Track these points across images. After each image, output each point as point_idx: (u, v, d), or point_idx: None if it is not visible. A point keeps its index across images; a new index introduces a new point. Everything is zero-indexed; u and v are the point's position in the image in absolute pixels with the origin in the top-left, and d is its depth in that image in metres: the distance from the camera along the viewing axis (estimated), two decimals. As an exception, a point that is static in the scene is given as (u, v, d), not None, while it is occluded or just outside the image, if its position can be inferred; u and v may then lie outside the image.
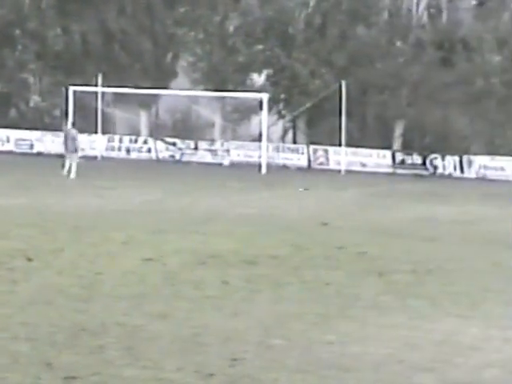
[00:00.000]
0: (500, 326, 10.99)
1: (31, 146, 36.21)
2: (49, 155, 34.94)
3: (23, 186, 25.06)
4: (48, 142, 36.25)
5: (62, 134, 35.80)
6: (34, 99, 38.83)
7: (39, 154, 35.50)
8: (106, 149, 35.14)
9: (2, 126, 36.65)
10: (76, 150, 28.82)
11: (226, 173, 31.58)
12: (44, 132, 36.53)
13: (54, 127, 37.32)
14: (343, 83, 32.33)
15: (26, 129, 36.59)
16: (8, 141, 36.55)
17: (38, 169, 28.32)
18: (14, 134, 36.48)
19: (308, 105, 34.19)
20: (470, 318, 11.61)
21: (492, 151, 32.39)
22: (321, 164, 33.50)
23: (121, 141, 35.68)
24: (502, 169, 31.00)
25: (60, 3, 37.14)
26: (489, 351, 10.10)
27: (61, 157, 31.51)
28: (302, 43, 35.39)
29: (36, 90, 38.85)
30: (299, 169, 33.36)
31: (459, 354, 9.98)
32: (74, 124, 30.71)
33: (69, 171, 28.24)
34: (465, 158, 31.72)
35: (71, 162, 28.44)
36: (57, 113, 38.56)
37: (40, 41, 37.30)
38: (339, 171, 32.31)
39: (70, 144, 28.89)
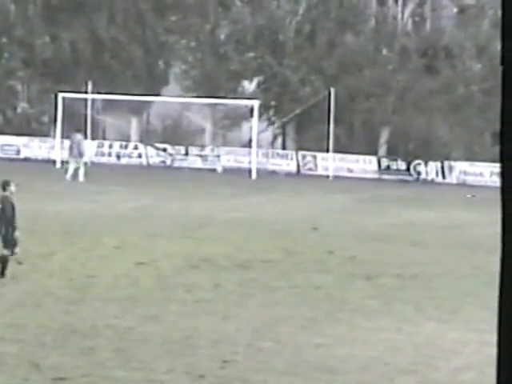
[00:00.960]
0: (478, 330, 11.22)
1: (18, 152, 36.17)
2: (36, 160, 34.94)
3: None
4: (35, 148, 36.24)
5: (50, 140, 35.90)
6: (22, 106, 38.75)
7: (26, 159, 35.49)
8: (96, 154, 35.17)
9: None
10: (81, 155, 29.51)
11: (216, 178, 31.70)
12: (31, 138, 36.49)
13: (41, 133, 37.30)
14: (332, 90, 32.58)
15: (13, 134, 36.52)
16: (-7, 146, 36.53)
17: (26, 174, 28.25)
18: (0, 139, 36.42)
19: (297, 111, 34.35)
20: (450, 321, 11.85)
21: (471, 157, 32.90)
22: (309, 170, 33.71)
23: (111, 146, 35.74)
24: (481, 174, 31.59)
25: (48, 12, 37.14)
26: (467, 354, 10.33)
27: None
28: (292, 51, 35.55)
29: (24, 96, 38.79)
30: (288, 174, 33.54)
31: (440, 357, 10.21)
32: (79, 130, 31.42)
33: (74, 176, 28.76)
34: (446, 163, 32.27)
35: (78, 166, 28.95)
36: (45, 119, 38.52)
37: (28, 48, 37.27)
38: (327, 176, 32.53)
39: (76, 149, 29.57)
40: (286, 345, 10.56)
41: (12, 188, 13.99)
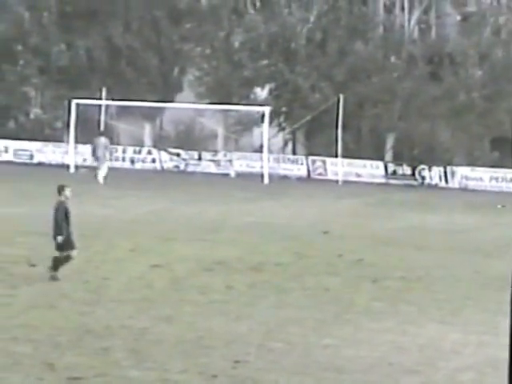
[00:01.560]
0: (478, 332, 11.54)
1: (31, 157, 36.47)
2: (50, 165, 35.24)
3: (25, 195, 24.90)
4: (49, 153, 36.56)
5: (63, 145, 36.26)
6: (35, 112, 39.00)
7: (40, 164, 35.79)
8: (110, 159, 35.46)
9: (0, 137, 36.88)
10: (105, 159, 30.14)
11: (229, 182, 31.98)
12: (45, 143, 36.79)
13: (55, 138, 37.59)
14: (341, 97, 32.94)
15: (26, 139, 36.83)
16: (6, 151, 36.77)
17: (40, 178, 28.51)
18: (13, 144, 36.74)
19: (308, 118, 34.65)
20: (451, 323, 12.16)
21: (471, 162, 33.43)
22: (319, 174, 34.04)
23: (124, 151, 36.06)
24: (481, 179, 32.19)
25: (63, 20, 37.44)
26: (467, 355, 10.65)
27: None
28: (304, 58, 35.85)
29: (37, 102, 39.04)
30: (299, 179, 33.81)
31: (441, 357, 10.52)
32: (103, 133, 31.92)
33: (97, 176, 29.27)
34: (448, 168, 32.92)
35: (100, 169, 29.58)
36: (58, 125, 38.80)
37: (43, 56, 37.57)
38: (337, 181, 32.88)
39: (101, 153, 30.12)
40: (296, 345, 10.84)
41: (67, 193, 14.07)
